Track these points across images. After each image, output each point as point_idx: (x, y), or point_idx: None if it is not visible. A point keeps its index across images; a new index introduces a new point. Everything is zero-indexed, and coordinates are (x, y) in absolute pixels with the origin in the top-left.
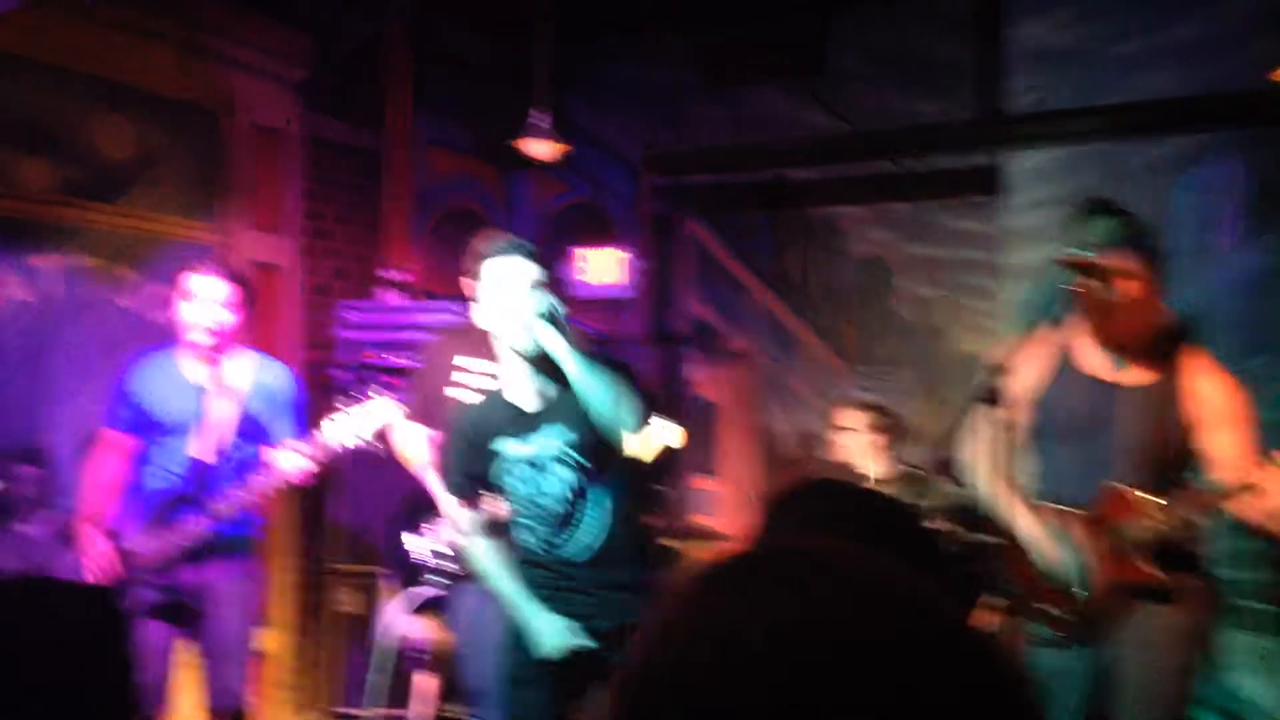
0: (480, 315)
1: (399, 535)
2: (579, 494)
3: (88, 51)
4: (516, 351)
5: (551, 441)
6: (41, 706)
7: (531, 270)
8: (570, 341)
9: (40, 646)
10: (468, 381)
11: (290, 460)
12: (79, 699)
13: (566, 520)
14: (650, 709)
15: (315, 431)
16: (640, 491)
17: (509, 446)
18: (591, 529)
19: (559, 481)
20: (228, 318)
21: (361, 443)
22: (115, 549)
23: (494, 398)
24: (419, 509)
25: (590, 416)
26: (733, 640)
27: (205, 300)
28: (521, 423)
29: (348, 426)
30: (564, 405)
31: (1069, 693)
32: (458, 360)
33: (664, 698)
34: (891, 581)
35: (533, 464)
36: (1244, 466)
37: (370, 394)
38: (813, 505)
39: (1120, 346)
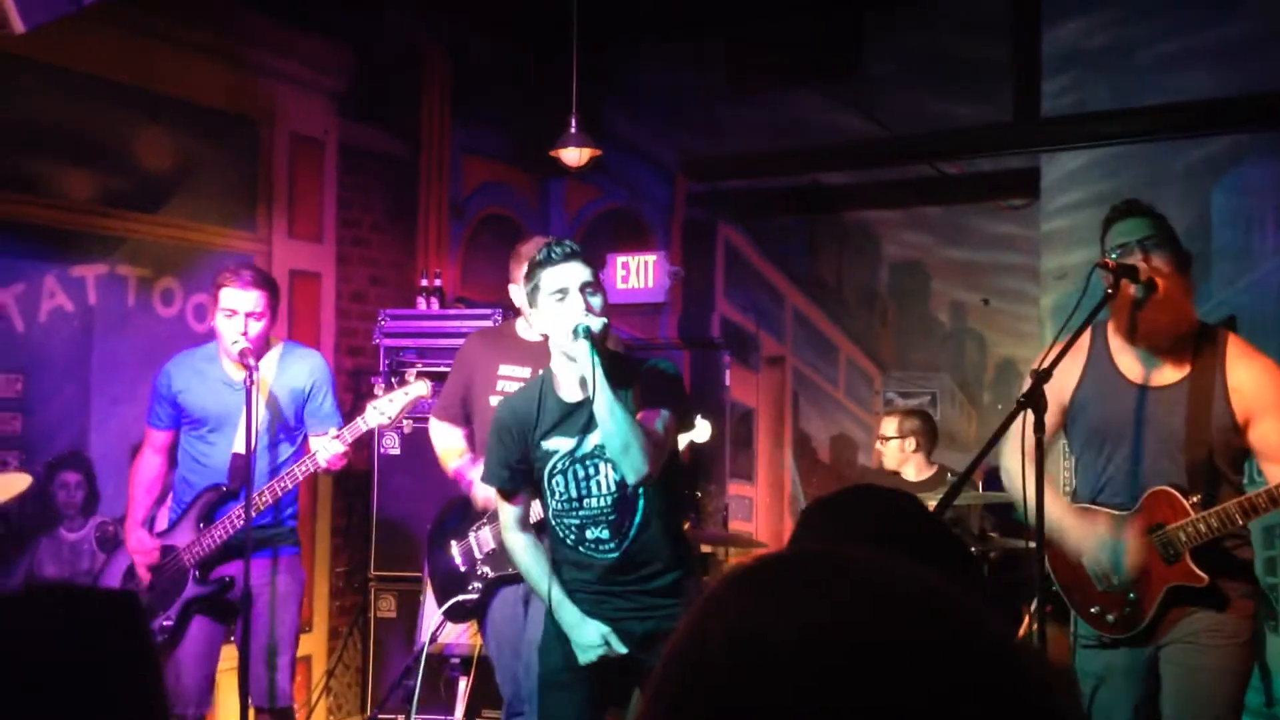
0: (534, 318)
1: (439, 541)
2: (623, 496)
3: (129, 62)
4: (566, 354)
5: (600, 442)
6: (63, 716)
7: (584, 273)
8: (604, 360)
9: (62, 654)
10: (505, 389)
11: (326, 449)
12: (102, 708)
13: (609, 521)
14: (679, 710)
15: (356, 418)
16: (679, 497)
17: (558, 444)
18: (632, 532)
19: (605, 482)
20: (260, 326)
21: (397, 422)
22: (160, 546)
23: (546, 393)
24: (459, 515)
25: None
26: (759, 642)
27: (238, 311)
28: (571, 421)
29: (386, 408)
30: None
31: (1119, 694)
32: (497, 367)
33: (692, 699)
34: (917, 584)
35: (581, 463)
36: None
37: (408, 377)
38: (841, 510)
39: (1153, 345)
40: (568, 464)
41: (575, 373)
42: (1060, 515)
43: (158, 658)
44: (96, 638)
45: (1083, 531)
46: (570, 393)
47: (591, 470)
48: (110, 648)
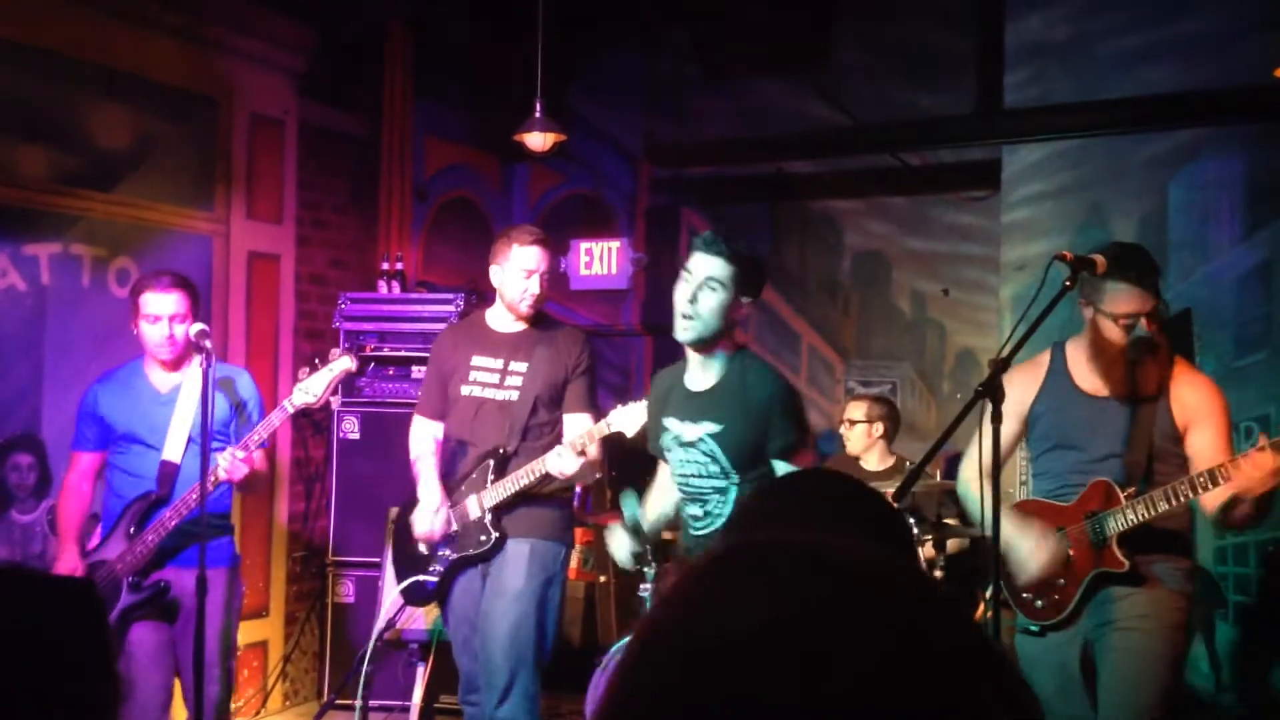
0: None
1: (404, 521)
2: (717, 482)
3: (87, 39)
4: (680, 341)
5: (702, 427)
6: (11, 699)
7: (716, 266)
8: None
9: (12, 637)
10: (477, 378)
11: (226, 460)
12: (52, 692)
13: (705, 504)
14: (645, 700)
15: (280, 404)
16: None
17: (673, 425)
18: (722, 518)
19: (700, 466)
20: (184, 329)
21: (323, 399)
22: (87, 565)
23: (677, 377)
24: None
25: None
26: (728, 632)
27: (160, 316)
28: (688, 405)
29: (311, 387)
30: (719, 398)
31: (1049, 678)
32: (470, 358)
33: (660, 689)
34: (887, 571)
35: (686, 445)
36: (1219, 457)
37: (331, 355)
38: (785, 495)
39: (1115, 370)
40: (676, 444)
41: (694, 361)
42: (1016, 537)
43: (113, 646)
44: (55, 622)
45: (1018, 525)
46: (692, 379)
47: (691, 452)
48: (68, 632)
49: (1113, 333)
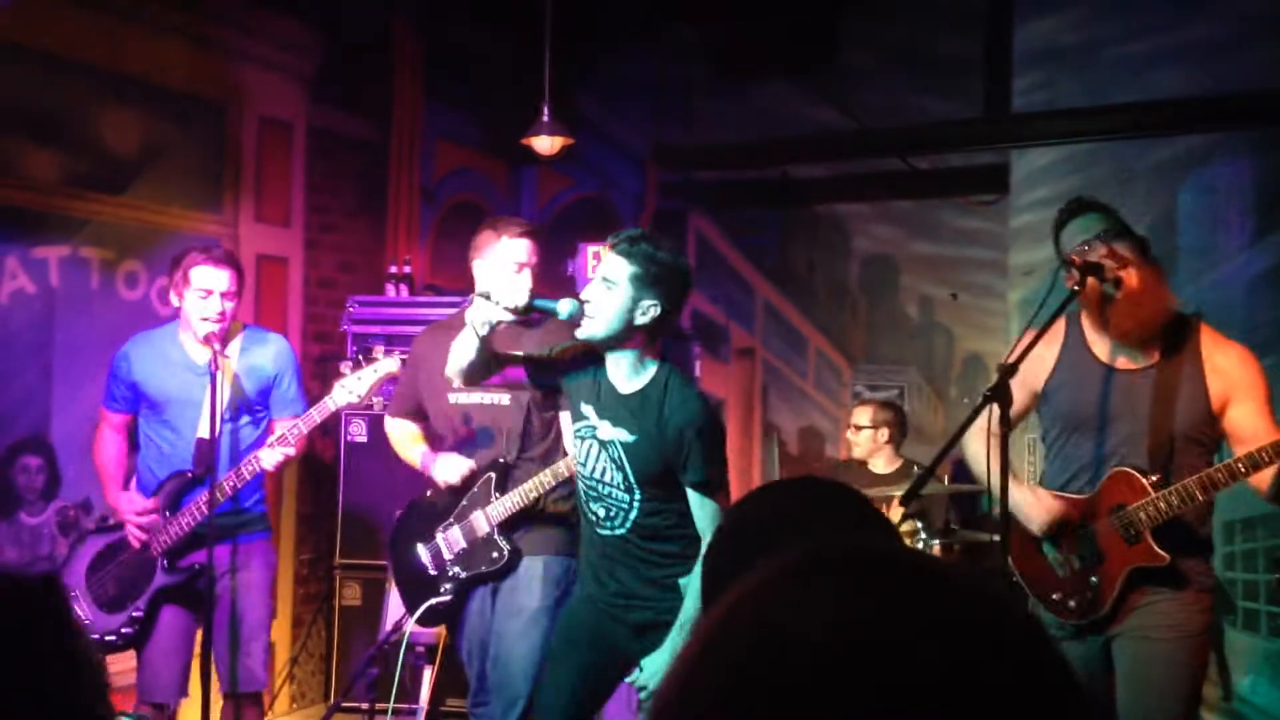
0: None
1: (404, 544)
2: (619, 493)
3: (96, 42)
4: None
5: (617, 432)
6: None
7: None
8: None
9: None
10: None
11: (270, 455)
12: (21, 695)
13: (608, 509)
14: (708, 705)
15: (324, 398)
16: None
17: (593, 416)
18: (623, 530)
19: (607, 468)
20: (231, 306)
21: (367, 400)
22: (156, 504)
23: (604, 370)
24: (423, 516)
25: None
26: (795, 637)
27: (214, 291)
28: (611, 404)
29: (354, 386)
30: (638, 409)
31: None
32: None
33: (722, 693)
34: (951, 576)
35: (601, 441)
36: (1263, 431)
37: (376, 354)
38: (777, 500)
39: (1127, 335)
40: (585, 436)
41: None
42: (1018, 494)
43: (83, 641)
44: (10, 624)
45: (1038, 507)
46: (612, 375)
47: (601, 450)
48: (25, 634)
49: (1097, 287)
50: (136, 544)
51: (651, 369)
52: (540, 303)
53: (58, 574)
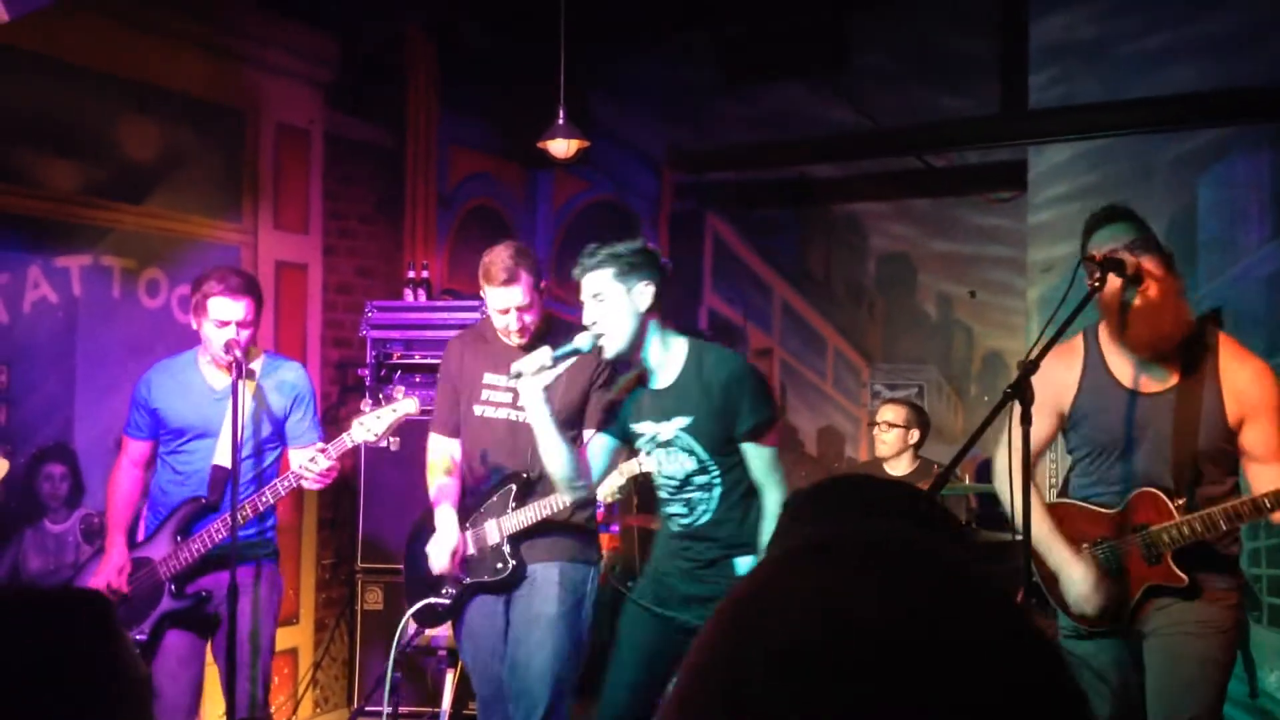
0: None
1: (418, 545)
2: (698, 477)
3: (115, 52)
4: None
5: (674, 424)
6: None
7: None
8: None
9: (23, 660)
10: (490, 398)
11: (312, 467)
12: (66, 714)
13: (689, 500)
14: (750, 681)
15: (341, 433)
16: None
17: (648, 428)
18: (709, 512)
19: (681, 463)
20: (248, 335)
21: (383, 439)
22: (131, 559)
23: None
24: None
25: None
26: (846, 619)
27: (229, 322)
28: (655, 405)
29: (373, 425)
30: (683, 390)
31: (1093, 681)
32: (482, 375)
33: (765, 670)
34: (980, 571)
35: (664, 445)
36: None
37: (395, 394)
38: (840, 497)
39: (1143, 347)
40: (650, 445)
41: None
42: (1044, 537)
43: (136, 661)
44: (65, 643)
45: (1064, 557)
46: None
47: (669, 450)
48: (80, 653)
49: (1112, 284)
50: (122, 588)
51: (680, 341)
52: (560, 352)
53: (107, 594)
